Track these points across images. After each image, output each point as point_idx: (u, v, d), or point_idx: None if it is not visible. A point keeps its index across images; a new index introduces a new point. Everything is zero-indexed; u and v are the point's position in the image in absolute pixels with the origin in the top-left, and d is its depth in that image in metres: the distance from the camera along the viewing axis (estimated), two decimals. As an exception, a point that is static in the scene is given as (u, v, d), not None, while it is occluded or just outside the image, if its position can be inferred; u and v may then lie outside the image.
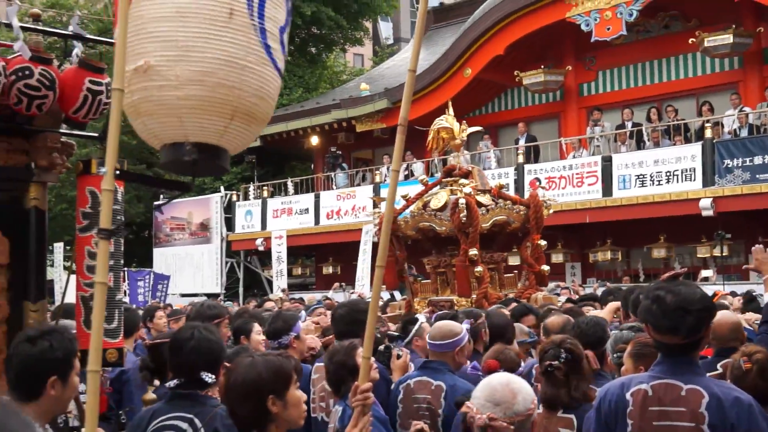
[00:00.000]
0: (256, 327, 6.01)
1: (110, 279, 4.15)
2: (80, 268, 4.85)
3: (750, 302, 9.88)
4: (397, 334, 6.61)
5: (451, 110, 11.43)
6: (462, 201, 9.91)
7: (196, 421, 3.72)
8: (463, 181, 10.66)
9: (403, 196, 11.08)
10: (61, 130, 4.90)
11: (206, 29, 2.89)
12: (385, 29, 45.61)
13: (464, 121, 11.26)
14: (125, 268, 18.47)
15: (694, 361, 3.41)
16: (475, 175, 11.11)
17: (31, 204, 4.81)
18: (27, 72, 4.47)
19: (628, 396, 3.38)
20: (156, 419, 3.80)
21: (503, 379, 3.21)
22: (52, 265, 21.92)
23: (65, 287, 5.87)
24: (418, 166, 23.39)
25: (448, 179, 10.91)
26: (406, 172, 23.77)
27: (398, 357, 5.57)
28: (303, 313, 8.16)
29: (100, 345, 2.98)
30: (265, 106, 3.04)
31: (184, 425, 3.74)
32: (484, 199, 10.48)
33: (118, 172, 3.15)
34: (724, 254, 18.16)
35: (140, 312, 8.98)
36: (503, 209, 10.60)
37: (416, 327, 6.27)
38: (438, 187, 10.98)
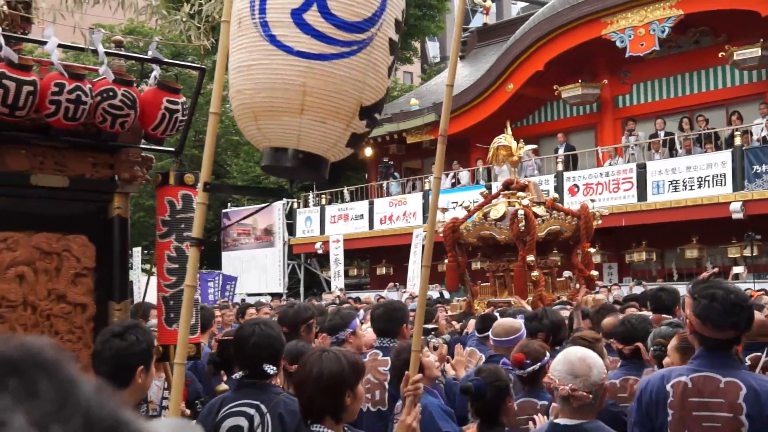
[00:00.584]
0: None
1: (187, 280, 4.21)
2: (160, 271, 4.91)
3: None
4: (430, 326, 6.75)
5: (509, 130, 12.02)
6: (521, 212, 10.30)
7: (262, 407, 3.77)
8: (520, 194, 11.04)
9: (465, 207, 11.72)
10: (142, 146, 4.97)
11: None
12: (433, 48, 45.58)
13: (522, 140, 11.74)
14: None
15: (732, 356, 3.36)
16: (531, 189, 11.48)
17: (115, 213, 4.88)
18: (111, 93, 4.54)
19: (668, 387, 3.34)
20: (225, 406, 3.87)
21: (580, 354, 3.34)
22: (131, 268, 22.22)
23: (145, 288, 5.96)
24: (464, 175, 23.39)
25: (507, 192, 11.30)
26: (453, 180, 23.76)
27: (435, 348, 5.61)
28: (361, 311, 8.19)
29: (186, 340, 3.03)
30: (292, 95, 2.84)
31: (251, 411, 3.79)
32: (540, 210, 10.83)
33: (209, 185, 3.18)
34: (754, 254, 17.99)
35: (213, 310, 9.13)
36: (557, 220, 10.96)
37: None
38: (497, 198, 11.40)
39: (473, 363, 5.86)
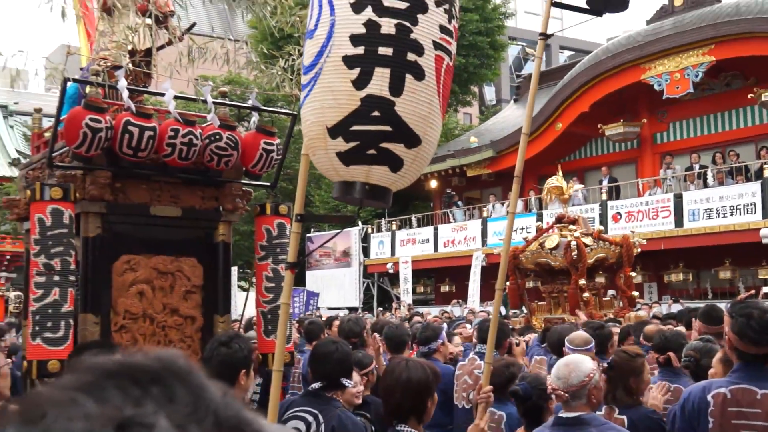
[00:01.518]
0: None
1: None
2: (259, 289, 4.98)
3: None
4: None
5: (560, 173, 12.43)
6: (573, 243, 10.79)
7: (320, 416, 3.74)
8: (571, 227, 11.43)
9: (524, 238, 12.07)
10: (242, 181, 5.08)
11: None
12: (489, 92, 45.45)
13: (572, 180, 12.15)
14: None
15: (767, 369, 3.27)
16: (580, 222, 11.89)
17: (220, 238, 4.98)
18: (217, 137, 4.65)
19: (709, 398, 3.26)
20: (291, 408, 3.86)
21: (566, 360, 3.52)
22: (228, 285, 22.56)
23: (245, 303, 6.05)
24: (518, 204, 23.18)
25: (559, 225, 11.67)
26: (508, 208, 23.57)
27: (517, 344, 6.01)
28: (445, 325, 8.37)
29: (283, 349, 3.07)
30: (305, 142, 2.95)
31: (310, 418, 3.77)
32: (588, 240, 11.21)
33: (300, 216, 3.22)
34: None
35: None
36: (602, 248, 11.31)
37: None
38: (551, 230, 11.81)
39: (544, 369, 5.90)
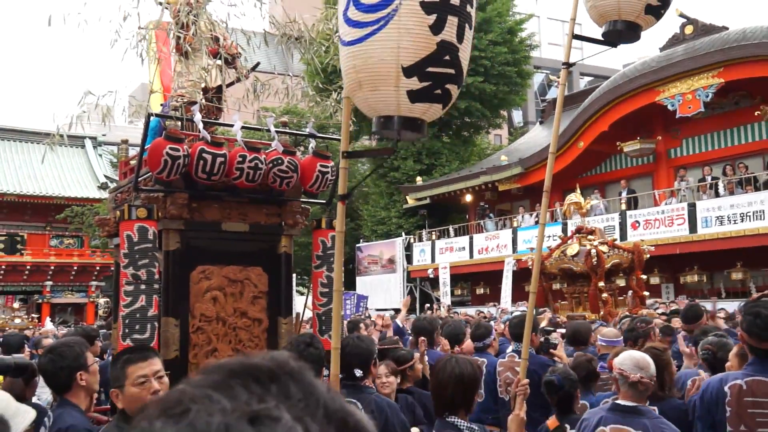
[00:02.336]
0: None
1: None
2: (315, 294, 5.02)
3: None
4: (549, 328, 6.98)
5: (578, 189, 13.07)
6: (593, 251, 11.29)
7: (358, 404, 3.69)
8: (590, 236, 11.90)
9: (549, 247, 12.38)
10: (301, 199, 5.12)
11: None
12: (517, 116, 45.02)
13: (593, 193, 12.33)
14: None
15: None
16: (597, 232, 12.44)
17: (282, 250, 5.03)
18: (279, 161, 4.71)
19: (726, 389, 3.21)
20: None
21: (639, 354, 3.51)
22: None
23: (304, 306, 6.09)
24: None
25: (578, 235, 12.11)
26: (536, 219, 23.39)
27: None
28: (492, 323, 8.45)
29: (338, 345, 3.10)
30: (351, 77, 2.74)
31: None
32: (604, 248, 11.66)
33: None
34: None
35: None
36: (617, 255, 11.79)
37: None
38: (571, 240, 12.30)
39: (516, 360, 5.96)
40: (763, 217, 17.41)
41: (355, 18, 2.66)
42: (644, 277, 12.18)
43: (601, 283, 11.31)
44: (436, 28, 2.61)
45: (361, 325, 9.25)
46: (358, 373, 3.93)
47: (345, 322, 13.02)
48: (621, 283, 12.36)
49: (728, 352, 4.14)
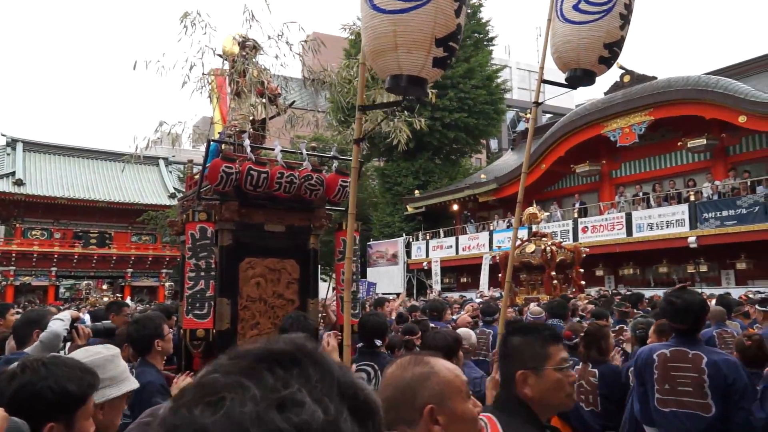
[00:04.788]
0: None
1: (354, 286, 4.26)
2: (338, 280, 4.98)
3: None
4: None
5: (535, 204, 13.84)
6: (547, 249, 11.73)
7: (376, 366, 3.69)
8: (544, 239, 12.34)
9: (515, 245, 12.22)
10: (326, 207, 5.10)
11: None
12: (493, 143, 44.87)
13: (551, 206, 12.33)
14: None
15: (697, 337, 3.17)
16: (549, 236, 13.08)
17: (311, 246, 5.00)
18: (309, 177, 4.69)
19: (654, 356, 3.18)
20: (354, 363, 3.79)
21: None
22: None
23: (327, 291, 6.06)
24: (514, 220, 22.81)
25: (534, 238, 12.57)
26: (507, 224, 23.31)
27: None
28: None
29: (349, 322, 3.07)
30: (388, 39, 2.59)
31: (370, 369, 3.72)
32: (554, 248, 12.14)
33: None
34: (701, 270, 17.65)
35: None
36: (563, 253, 12.27)
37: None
38: (529, 241, 12.86)
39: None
40: (684, 224, 17.35)
41: None
42: (582, 270, 12.48)
43: (553, 273, 11.62)
44: (457, 12, 2.61)
45: (387, 303, 9.23)
46: (378, 342, 3.89)
47: (368, 300, 12.96)
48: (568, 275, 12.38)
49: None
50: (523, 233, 14.21)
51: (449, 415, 1.27)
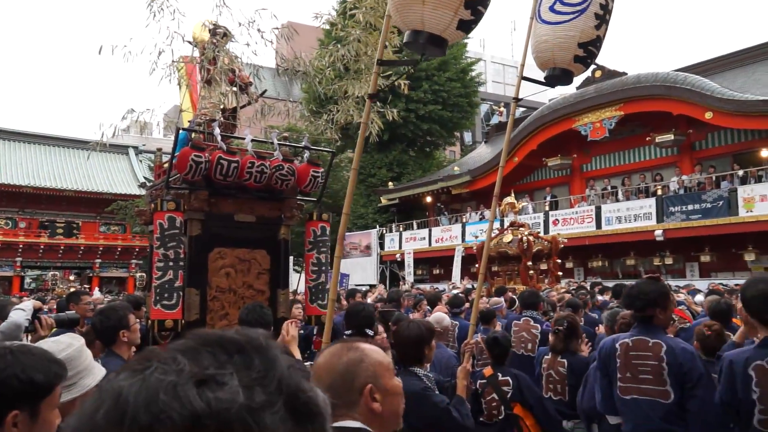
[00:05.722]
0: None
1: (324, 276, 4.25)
2: (307, 271, 4.97)
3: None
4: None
5: (513, 194, 13.22)
6: (524, 239, 11.54)
7: None
8: (521, 229, 12.21)
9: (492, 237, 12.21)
10: (297, 197, 5.07)
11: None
12: (467, 136, 45.09)
13: (524, 198, 12.43)
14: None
15: (657, 326, 3.24)
16: (526, 226, 12.80)
17: (281, 237, 4.97)
18: (280, 167, 4.66)
19: (617, 345, 3.25)
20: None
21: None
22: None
23: (297, 282, 6.04)
24: (487, 213, 23.03)
25: (512, 228, 12.42)
26: (481, 216, 23.50)
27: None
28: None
29: (332, 315, 3.05)
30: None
31: None
32: (531, 238, 11.91)
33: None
34: (667, 263, 17.91)
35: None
36: (540, 243, 12.05)
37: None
38: (507, 231, 12.60)
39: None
40: (651, 217, 17.67)
41: None
42: (559, 261, 12.43)
43: (530, 263, 11.51)
44: None
45: (358, 294, 9.22)
46: (370, 332, 3.83)
47: (342, 291, 12.94)
48: (543, 267, 12.42)
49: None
50: (496, 225, 14.35)
51: (383, 391, 1.42)
